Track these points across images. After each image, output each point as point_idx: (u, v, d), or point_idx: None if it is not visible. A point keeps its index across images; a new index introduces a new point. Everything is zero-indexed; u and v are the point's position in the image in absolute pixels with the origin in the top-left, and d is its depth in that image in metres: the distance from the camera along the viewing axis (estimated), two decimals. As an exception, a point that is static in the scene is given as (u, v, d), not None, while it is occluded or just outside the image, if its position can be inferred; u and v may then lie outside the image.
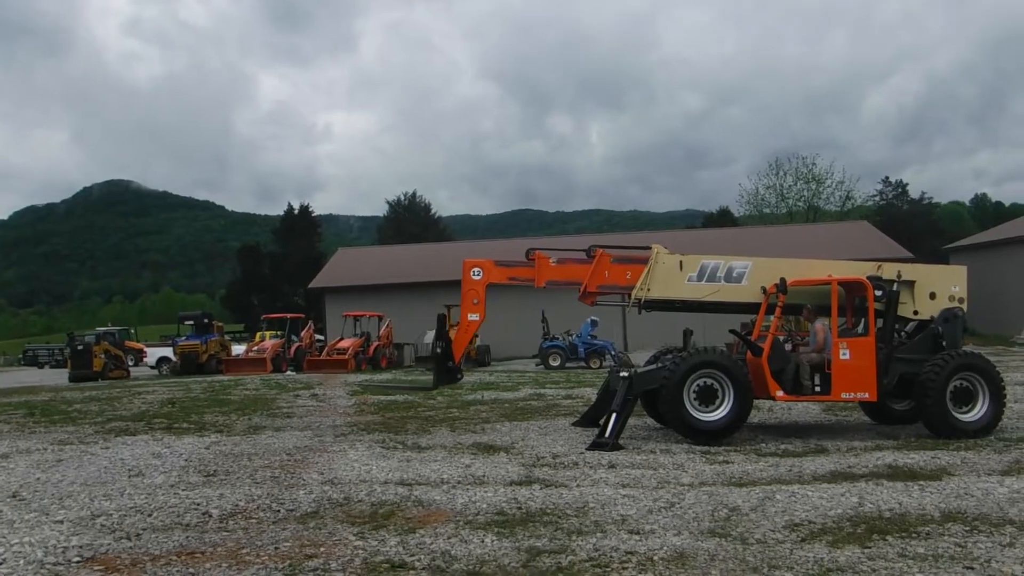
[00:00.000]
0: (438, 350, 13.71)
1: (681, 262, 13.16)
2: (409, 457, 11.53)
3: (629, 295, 13.25)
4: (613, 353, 31.61)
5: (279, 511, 8.40)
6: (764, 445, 12.01)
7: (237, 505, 8.65)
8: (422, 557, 6.72)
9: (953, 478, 9.24)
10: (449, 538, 7.25)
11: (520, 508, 8.31)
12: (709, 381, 12.10)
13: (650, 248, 13.37)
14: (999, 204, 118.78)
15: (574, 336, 32.25)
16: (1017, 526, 7.19)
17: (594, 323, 31.92)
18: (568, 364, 31.57)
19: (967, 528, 7.15)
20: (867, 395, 12.37)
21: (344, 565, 6.56)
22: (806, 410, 15.73)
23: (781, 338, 13.26)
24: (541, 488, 9.25)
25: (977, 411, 12.32)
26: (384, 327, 36.66)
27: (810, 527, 7.35)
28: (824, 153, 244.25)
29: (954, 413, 12.19)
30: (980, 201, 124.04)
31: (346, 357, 32.84)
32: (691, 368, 12.05)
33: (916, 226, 71.44)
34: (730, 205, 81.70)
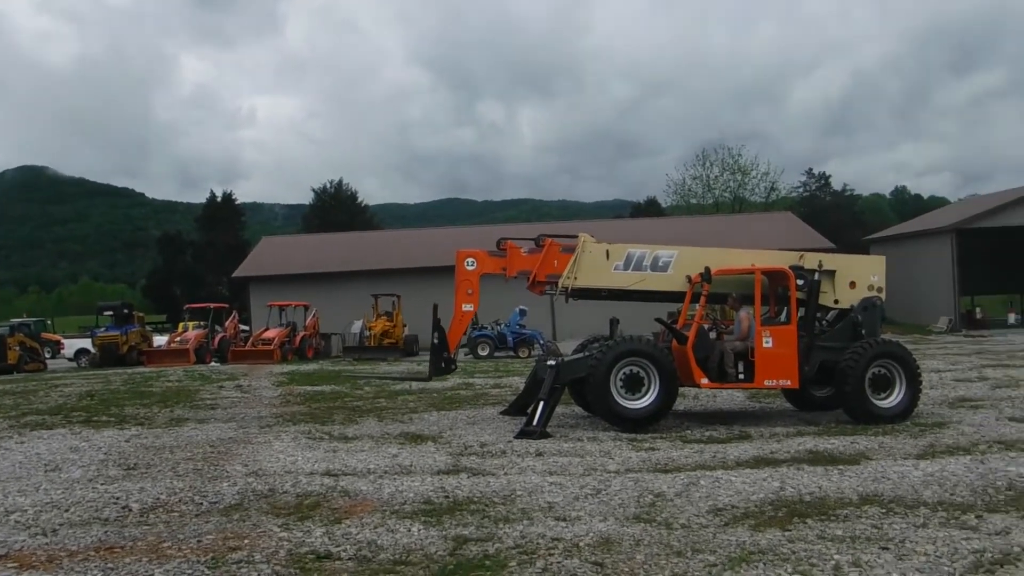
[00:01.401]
0: (435, 341, 13.60)
1: (608, 251, 13.25)
2: (335, 447, 11.42)
3: (556, 284, 13.30)
4: (542, 342, 31.74)
5: (202, 504, 8.25)
6: (690, 432, 12.16)
7: (158, 498, 8.48)
8: (348, 547, 6.66)
9: (871, 462, 9.47)
10: (375, 528, 7.20)
11: (447, 497, 8.29)
12: (635, 369, 12.21)
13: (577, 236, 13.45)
14: (918, 196, 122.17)
15: (503, 325, 32.27)
16: (931, 507, 7.40)
17: (523, 312, 31.98)
18: (497, 353, 31.61)
19: (883, 510, 7.34)
20: (789, 382, 12.62)
21: (268, 557, 6.47)
22: (731, 397, 15.99)
23: (706, 326, 13.44)
24: (468, 477, 9.24)
25: (895, 397, 12.63)
26: (310, 317, 36.23)
27: (733, 511, 7.47)
28: (751, 144, 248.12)
29: (872, 399, 12.48)
30: (900, 193, 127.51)
31: (272, 347, 32.34)
32: (617, 356, 12.14)
33: (838, 217, 73.06)
34: (658, 195, 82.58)
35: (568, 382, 12.84)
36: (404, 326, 35.08)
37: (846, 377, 12.36)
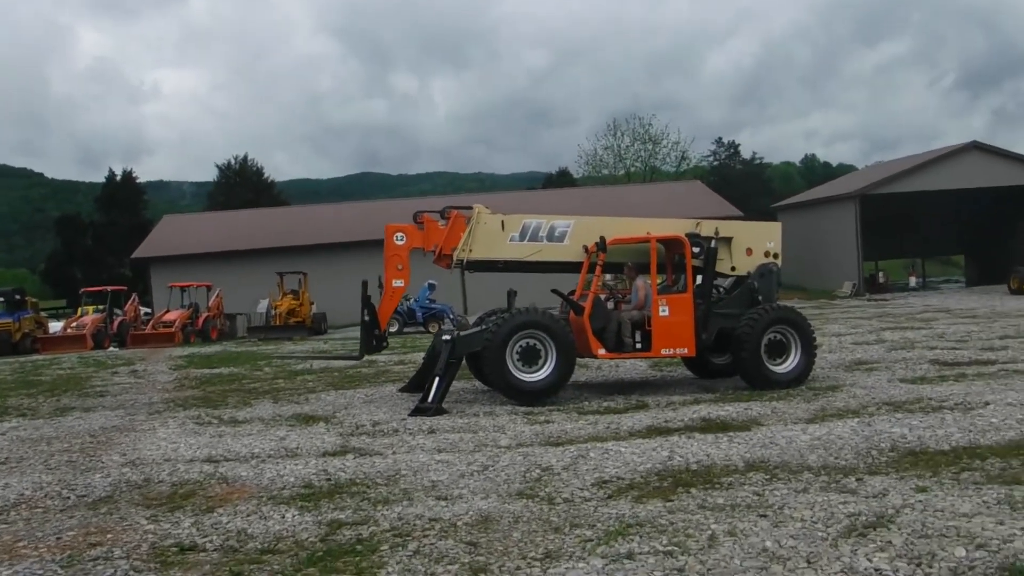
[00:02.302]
0: (365, 318, 13.16)
1: (503, 222, 13.01)
2: (222, 432, 11.01)
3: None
4: (452, 317, 31.45)
5: (69, 498, 7.83)
6: (587, 403, 12.05)
7: (23, 494, 8.02)
8: (215, 538, 6.34)
9: (761, 428, 9.45)
10: (248, 516, 6.89)
11: (329, 479, 8.00)
12: (532, 341, 12.03)
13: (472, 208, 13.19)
14: (827, 164, 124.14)
15: (412, 300, 31.85)
16: (814, 472, 7.37)
17: (432, 287, 31.57)
18: (406, 329, 31.20)
19: (767, 476, 7.28)
20: (686, 350, 12.59)
21: (129, 552, 6.12)
22: (634, 366, 15.95)
23: (603, 296, 13.33)
24: (355, 458, 8.96)
25: (790, 363, 12.69)
26: (214, 297, 35.24)
27: (618, 483, 7.33)
28: (665, 114, 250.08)
29: (768, 365, 12.53)
30: (809, 161, 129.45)
31: (173, 330, 31.34)
32: (513, 329, 11.94)
33: (748, 185, 74.22)
34: (570, 166, 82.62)
35: (467, 356, 12.62)
36: (311, 304, 34.39)
37: (742, 344, 12.37)
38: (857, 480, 6.98)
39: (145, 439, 10.75)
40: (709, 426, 9.74)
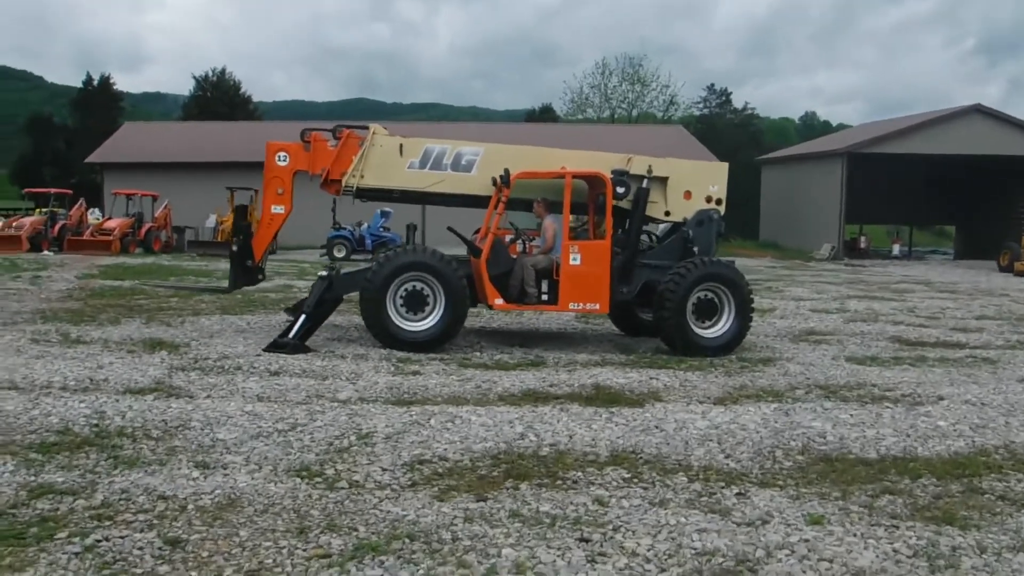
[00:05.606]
0: (234, 247, 11.50)
1: (402, 146, 11.28)
2: (45, 353, 9.43)
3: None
4: (399, 246, 29.77)
5: None
6: (479, 354, 10.45)
7: None
8: None
9: (657, 405, 7.87)
10: (-51, 472, 5.32)
11: (96, 426, 6.45)
12: (419, 285, 10.41)
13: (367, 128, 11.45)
14: (827, 123, 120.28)
15: (364, 227, 30.17)
16: (691, 475, 5.77)
17: (385, 214, 29.84)
18: (354, 256, 29.55)
19: (628, 476, 5.71)
20: (597, 306, 10.94)
21: None
22: (558, 317, 14.32)
23: (508, 238, 11.62)
24: (155, 399, 7.39)
25: (720, 327, 11.08)
26: (161, 208, 33.43)
27: (437, 466, 5.78)
28: (670, 60, 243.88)
29: (694, 328, 10.92)
30: (809, 119, 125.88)
31: (111, 238, 29.62)
32: (397, 270, 10.32)
33: (737, 137, 71.76)
34: (555, 103, 79.56)
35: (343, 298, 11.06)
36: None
37: (664, 301, 10.74)
38: (739, 495, 5.37)
39: (-50, 356, 9.15)
40: (596, 396, 8.16)
